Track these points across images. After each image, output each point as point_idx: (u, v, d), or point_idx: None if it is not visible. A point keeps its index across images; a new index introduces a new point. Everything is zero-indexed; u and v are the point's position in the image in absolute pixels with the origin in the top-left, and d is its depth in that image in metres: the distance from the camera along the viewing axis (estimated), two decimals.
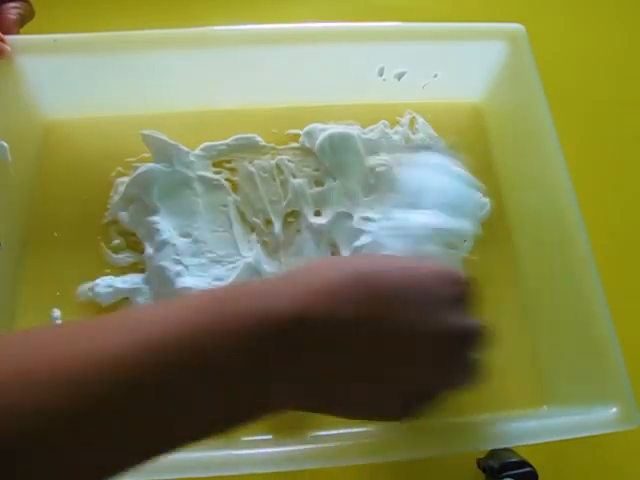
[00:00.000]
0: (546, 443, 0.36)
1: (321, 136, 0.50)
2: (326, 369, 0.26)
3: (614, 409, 0.37)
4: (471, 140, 0.54)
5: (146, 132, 0.47)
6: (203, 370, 0.23)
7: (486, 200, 0.51)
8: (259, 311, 0.24)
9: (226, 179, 0.50)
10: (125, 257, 0.47)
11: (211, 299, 0.25)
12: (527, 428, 0.38)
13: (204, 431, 0.24)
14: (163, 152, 0.48)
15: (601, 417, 0.37)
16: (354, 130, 0.51)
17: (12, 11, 0.46)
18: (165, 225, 0.46)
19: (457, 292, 0.30)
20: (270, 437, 0.40)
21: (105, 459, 0.23)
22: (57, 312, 0.44)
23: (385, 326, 0.27)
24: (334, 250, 0.48)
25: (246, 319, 0.24)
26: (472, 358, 0.30)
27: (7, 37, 0.45)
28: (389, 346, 0.27)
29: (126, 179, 0.48)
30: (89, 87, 0.49)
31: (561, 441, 0.36)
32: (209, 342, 0.23)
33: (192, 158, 0.49)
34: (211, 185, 0.49)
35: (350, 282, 0.27)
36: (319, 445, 0.35)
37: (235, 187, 0.50)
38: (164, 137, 0.48)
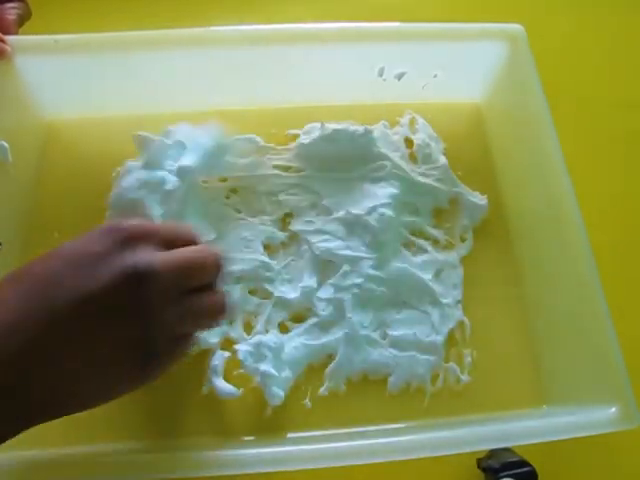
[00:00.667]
0: (546, 443, 0.36)
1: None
2: (37, 376, 0.26)
3: (614, 408, 0.37)
4: (471, 140, 0.54)
5: (140, 133, 0.46)
6: None
7: (484, 201, 0.51)
8: None
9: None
10: None
11: None
12: (527, 428, 0.38)
13: None
14: (154, 155, 0.46)
15: (601, 417, 0.37)
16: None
17: (11, 11, 0.46)
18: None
19: (115, 237, 0.28)
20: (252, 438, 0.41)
21: None
22: None
23: (57, 307, 0.26)
24: None
25: None
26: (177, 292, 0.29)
27: (7, 37, 0.45)
28: (72, 320, 0.27)
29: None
30: (89, 87, 0.49)
31: (561, 441, 0.36)
32: None
33: (187, 162, 0.46)
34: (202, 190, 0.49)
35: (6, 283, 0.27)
36: (319, 446, 0.35)
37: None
38: (157, 138, 0.46)
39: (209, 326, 0.32)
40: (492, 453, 0.41)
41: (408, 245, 0.49)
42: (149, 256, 0.28)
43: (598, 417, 0.37)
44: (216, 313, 0.32)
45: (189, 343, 0.31)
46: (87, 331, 0.27)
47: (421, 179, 0.51)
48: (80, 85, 0.49)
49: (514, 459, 0.40)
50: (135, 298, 0.27)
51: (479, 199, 0.51)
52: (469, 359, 0.45)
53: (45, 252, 0.29)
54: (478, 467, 0.41)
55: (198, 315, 0.31)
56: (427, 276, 0.47)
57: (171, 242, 0.30)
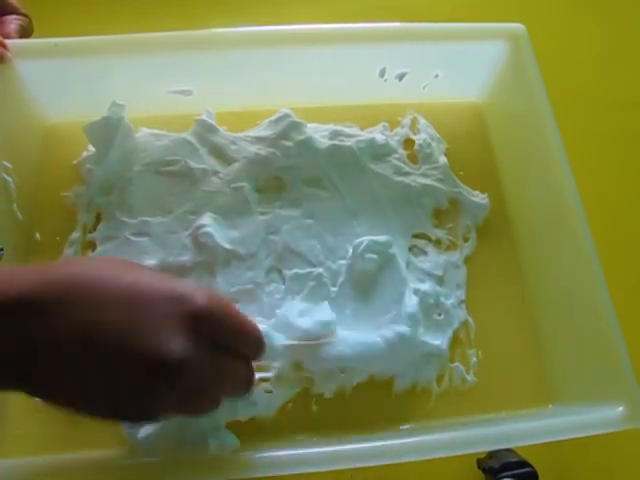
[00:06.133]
0: (546, 443, 0.36)
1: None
2: (39, 353, 0.27)
3: (620, 408, 0.37)
4: (472, 140, 0.54)
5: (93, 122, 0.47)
6: None
7: (485, 200, 0.51)
8: None
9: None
10: None
11: None
12: (532, 427, 0.38)
13: None
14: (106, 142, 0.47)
15: (607, 416, 0.37)
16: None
17: (13, 21, 0.47)
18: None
19: (183, 314, 0.29)
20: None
21: None
22: None
23: (93, 332, 0.27)
24: None
25: None
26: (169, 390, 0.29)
27: (8, 41, 0.45)
28: (98, 352, 0.27)
29: None
30: (89, 90, 0.49)
31: (561, 441, 0.36)
32: None
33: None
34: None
35: (76, 282, 0.28)
36: (319, 449, 0.35)
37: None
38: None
39: (232, 395, 0.33)
40: (492, 453, 0.41)
41: (410, 247, 0.49)
42: (198, 354, 0.29)
43: (605, 416, 0.37)
44: (244, 386, 0.32)
45: (209, 405, 0.31)
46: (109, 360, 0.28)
47: (421, 179, 0.51)
48: (80, 88, 0.49)
49: (514, 459, 0.40)
50: (170, 380, 0.28)
51: (480, 198, 0.51)
52: (474, 359, 0.45)
53: (131, 280, 0.29)
54: (478, 467, 0.41)
55: (227, 380, 0.31)
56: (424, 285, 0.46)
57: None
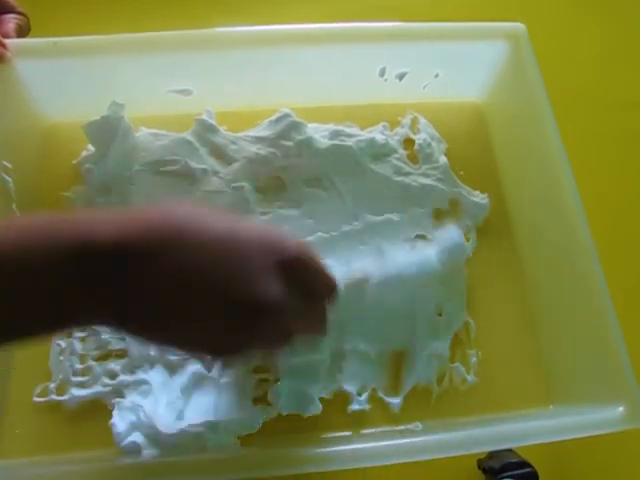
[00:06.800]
0: (546, 444, 0.36)
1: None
2: (135, 293, 0.28)
3: (620, 408, 0.37)
4: (473, 139, 0.54)
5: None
6: (23, 275, 0.27)
7: (485, 200, 0.51)
8: (82, 233, 0.27)
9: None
10: None
11: (50, 218, 0.29)
12: (532, 427, 0.38)
13: (27, 327, 0.28)
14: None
15: (608, 416, 0.37)
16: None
17: (12, 20, 0.47)
18: None
19: (276, 260, 0.30)
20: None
21: None
22: None
23: (194, 274, 0.29)
24: None
25: (66, 239, 0.27)
26: (270, 328, 0.31)
27: (7, 41, 0.45)
28: (193, 295, 0.29)
29: None
30: (89, 90, 0.49)
31: (561, 442, 0.36)
32: (27, 255, 0.27)
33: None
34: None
35: (174, 226, 0.29)
36: (319, 450, 0.35)
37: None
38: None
39: (309, 335, 0.35)
40: (493, 454, 0.41)
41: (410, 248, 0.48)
42: (275, 295, 0.30)
43: (605, 416, 0.37)
44: (321, 328, 0.34)
45: (286, 343, 0.33)
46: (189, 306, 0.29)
47: (421, 179, 0.51)
48: (80, 87, 0.49)
49: (515, 460, 0.40)
50: (240, 325, 0.30)
51: (480, 198, 0.51)
52: (474, 359, 0.45)
53: (226, 226, 0.30)
54: (479, 468, 0.41)
55: (308, 322, 0.33)
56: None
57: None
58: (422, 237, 0.49)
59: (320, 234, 0.47)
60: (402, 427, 0.41)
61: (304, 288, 0.31)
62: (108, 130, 0.47)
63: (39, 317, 0.28)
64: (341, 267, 0.42)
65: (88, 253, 0.27)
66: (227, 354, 0.32)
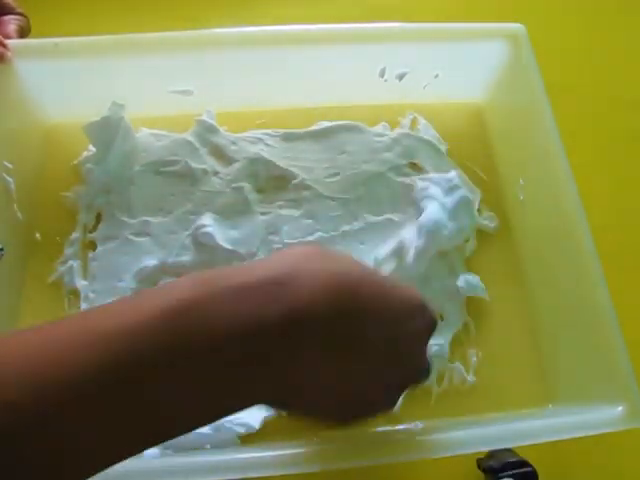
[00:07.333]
0: (546, 443, 0.36)
1: None
2: (299, 371, 0.26)
3: (620, 407, 0.37)
4: (472, 140, 0.54)
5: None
6: (178, 367, 0.23)
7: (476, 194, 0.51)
8: (243, 317, 0.24)
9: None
10: None
11: (194, 300, 0.24)
12: (532, 427, 0.38)
13: (181, 425, 0.25)
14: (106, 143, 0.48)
15: (607, 416, 0.37)
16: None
17: (12, 21, 0.47)
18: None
19: (423, 326, 0.30)
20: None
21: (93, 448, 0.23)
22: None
23: (356, 339, 0.27)
24: None
25: (228, 324, 0.24)
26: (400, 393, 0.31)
27: (8, 41, 0.45)
28: (354, 359, 0.27)
29: None
30: (89, 90, 0.49)
31: (561, 441, 0.36)
32: (187, 342, 0.23)
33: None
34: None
35: (336, 287, 0.26)
36: (318, 449, 0.35)
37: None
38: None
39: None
40: (492, 453, 0.40)
41: None
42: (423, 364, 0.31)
43: (604, 416, 0.37)
44: (424, 376, 0.33)
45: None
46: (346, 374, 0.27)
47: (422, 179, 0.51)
48: (80, 88, 0.49)
49: (514, 459, 0.40)
50: (385, 388, 0.30)
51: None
52: (474, 359, 0.45)
53: (377, 282, 0.28)
54: (478, 467, 0.41)
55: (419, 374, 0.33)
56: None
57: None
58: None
59: (320, 234, 0.48)
60: (402, 427, 0.41)
61: None
62: (109, 130, 0.47)
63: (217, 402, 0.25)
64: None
65: (259, 336, 0.24)
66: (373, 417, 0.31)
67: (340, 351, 0.26)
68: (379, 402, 0.30)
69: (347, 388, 0.28)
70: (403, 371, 0.30)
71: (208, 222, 0.46)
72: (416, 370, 0.31)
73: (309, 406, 0.28)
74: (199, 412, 0.25)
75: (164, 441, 0.24)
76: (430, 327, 0.31)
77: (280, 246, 0.47)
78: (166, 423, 0.24)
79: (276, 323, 0.24)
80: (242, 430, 0.40)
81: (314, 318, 0.25)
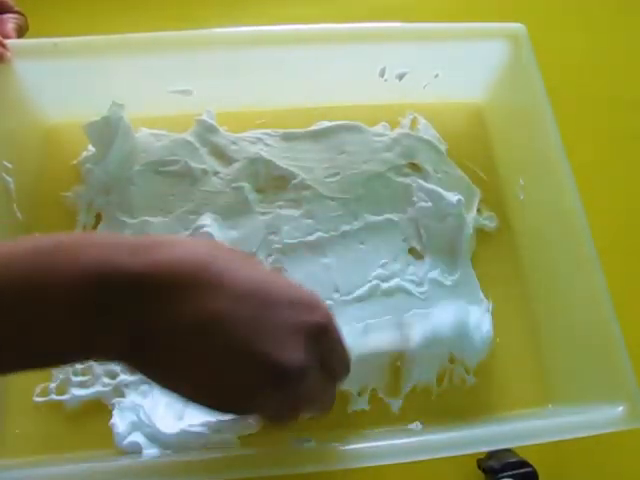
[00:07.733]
0: (546, 443, 0.36)
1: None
2: (151, 329, 0.26)
3: (620, 407, 0.37)
4: (472, 140, 0.54)
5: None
6: (38, 304, 0.25)
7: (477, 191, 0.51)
8: (100, 262, 0.26)
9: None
10: None
11: (56, 244, 0.27)
12: (532, 427, 0.38)
13: (38, 358, 0.27)
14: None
15: (608, 416, 0.37)
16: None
17: (11, 20, 0.47)
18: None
19: (305, 321, 0.28)
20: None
21: None
22: None
23: (218, 323, 0.27)
24: None
25: (82, 269, 0.26)
26: (285, 397, 0.28)
27: (7, 41, 0.45)
28: (212, 341, 0.27)
29: None
30: (89, 90, 0.49)
31: (561, 441, 0.36)
32: (43, 282, 0.25)
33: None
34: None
35: (202, 266, 0.27)
36: (318, 449, 0.35)
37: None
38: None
39: (314, 412, 0.32)
40: (492, 454, 0.40)
41: (410, 249, 0.49)
42: (299, 365, 0.28)
43: (605, 416, 0.37)
44: (327, 406, 0.32)
45: (294, 417, 0.30)
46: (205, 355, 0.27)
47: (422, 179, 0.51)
48: (80, 88, 0.49)
49: (514, 460, 0.40)
50: (256, 387, 0.28)
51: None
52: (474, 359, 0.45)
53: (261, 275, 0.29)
54: (478, 468, 0.41)
55: (318, 398, 0.31)
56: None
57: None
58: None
59: (320, 234, 0.48)
60: (402, 427, 0.41)
61: (323, 362, 0.29)
62: (108, 130, 0.47)
63: (55, 347, 0.26)
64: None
65: (105, 284, 0.25)
66: (239, 412, 0.29)
67: (195, 318, 0.26)
68: (246, 390, 0.28)
69: (203, 361, 0.27)
70: (263, 357, 0.27)
71: (208, 222, 0.46)
72: (283, 366, 0.27)
73: (167, 373, 0.27)
74: (57, 349, 0.27)
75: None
76: (314, 327, 0.28)
77: (280, 246, 0.47)
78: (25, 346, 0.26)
79: (136, 273, 0.26)
80: (242, 430, 0.40)
81: (172, 277, 0.26)
